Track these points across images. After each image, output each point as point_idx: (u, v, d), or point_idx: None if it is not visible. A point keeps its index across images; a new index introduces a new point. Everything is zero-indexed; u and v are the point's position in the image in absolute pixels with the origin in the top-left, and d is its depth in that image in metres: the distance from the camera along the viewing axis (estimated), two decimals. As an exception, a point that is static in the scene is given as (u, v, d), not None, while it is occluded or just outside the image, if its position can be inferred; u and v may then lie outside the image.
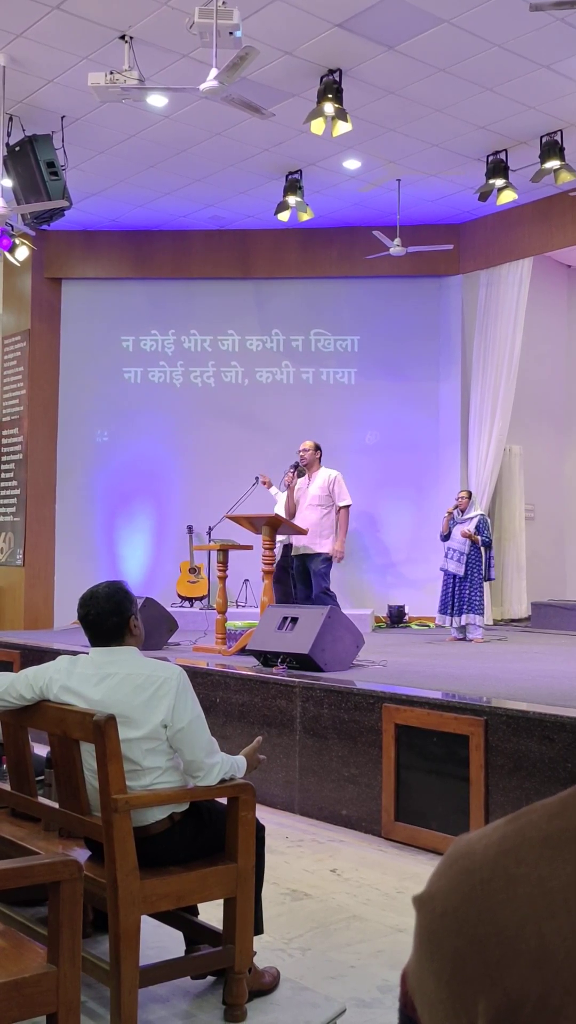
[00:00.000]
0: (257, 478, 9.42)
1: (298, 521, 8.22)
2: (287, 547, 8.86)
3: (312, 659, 6.11)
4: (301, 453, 8.37)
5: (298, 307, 11.70)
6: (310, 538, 8.19)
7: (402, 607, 11.23)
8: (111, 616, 3.00)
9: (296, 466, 8.39)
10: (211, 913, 3.23)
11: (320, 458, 8.45)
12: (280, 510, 8.77)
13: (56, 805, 3.14)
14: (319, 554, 8.22)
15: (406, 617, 11.21)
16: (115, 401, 11.77)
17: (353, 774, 5.29)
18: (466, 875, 0.67)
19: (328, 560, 8.26)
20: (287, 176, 9.82)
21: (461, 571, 9.38)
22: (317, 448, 8.46)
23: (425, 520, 11.20)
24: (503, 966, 0.62)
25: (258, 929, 3.13)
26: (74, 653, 3.20)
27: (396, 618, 11.16)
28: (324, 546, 8.25)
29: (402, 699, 5.11)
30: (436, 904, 0.68)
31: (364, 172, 9.94)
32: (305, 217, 9.76)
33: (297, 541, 8.22)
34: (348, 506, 8.30)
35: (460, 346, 11.52)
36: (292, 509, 8.31)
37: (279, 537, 8.17)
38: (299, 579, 8.36)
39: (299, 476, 8.41)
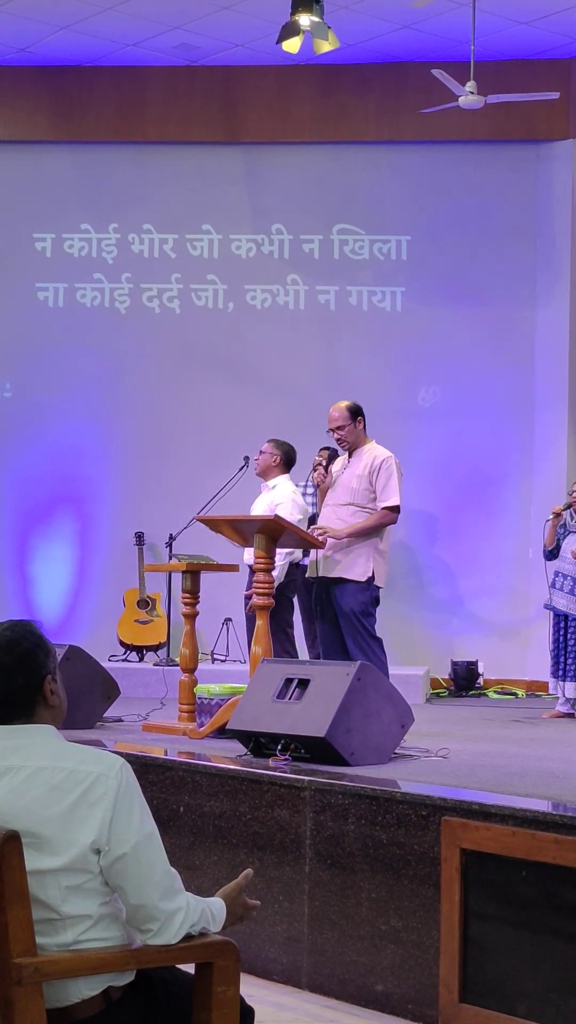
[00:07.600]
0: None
1: (322, 522, 7.05)
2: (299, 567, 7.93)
3: (332, 745, 5.64)
4: (334, 430, 6.95)
5: (313, 190, 10.03)
6: (337, 553, 7.12)
7: (474, 664, 9.92)
8: (15, 676, 2.58)
9: (332, 456, 7.43)
10: None
11: (364, 428, 7.05)
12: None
13: None
14: (350, 581, 6.81)
15: (480, 680, 9.97)
16: (23, 335, 10.16)
17: (394, 927, 4.74)
18: None
19: (368, 591, 6.90)
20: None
21: (577, 609, 8.33)
22: (354, 413, 6.94)
23: (509, 528, 9.69)
24: None
25: None
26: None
27: (465, 681, 9.85)
28: (357, 569, 6.77)
29: (473, 810, 4.51)
30: None
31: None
32: (326, 47, 8.22)
33: (317, 557, 7.21)
34: (394, 508, 6.73)
35: (569, 250, 9.71)
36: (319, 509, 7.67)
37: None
38: (319, 612, 7.24)
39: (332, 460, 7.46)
